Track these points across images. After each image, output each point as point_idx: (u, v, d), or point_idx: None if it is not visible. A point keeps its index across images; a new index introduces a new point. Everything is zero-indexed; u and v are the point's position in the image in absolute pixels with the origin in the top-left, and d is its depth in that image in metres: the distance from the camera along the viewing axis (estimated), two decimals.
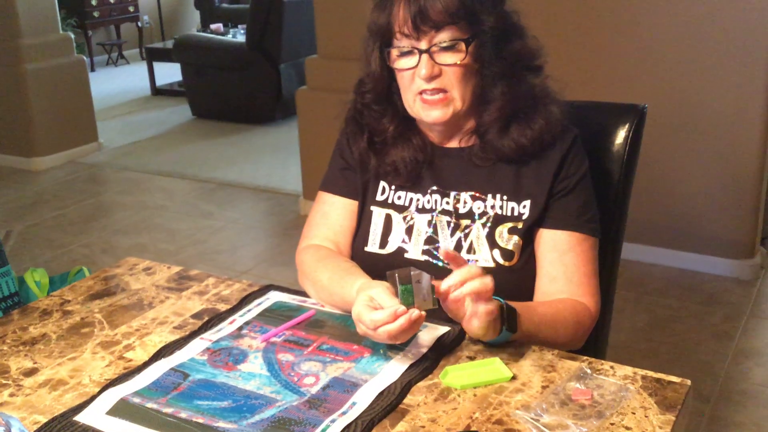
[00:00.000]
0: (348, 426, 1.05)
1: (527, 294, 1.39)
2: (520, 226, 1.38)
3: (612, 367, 1.18)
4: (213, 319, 1.35)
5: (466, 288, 1.15)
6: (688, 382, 1.14)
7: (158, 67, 7.26)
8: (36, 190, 4.86)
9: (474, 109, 1.40)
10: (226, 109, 6.14)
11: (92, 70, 8.31)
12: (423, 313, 1.16)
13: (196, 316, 1.38)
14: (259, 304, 1.40)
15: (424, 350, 1.22)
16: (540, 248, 1.39)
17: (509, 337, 1.23)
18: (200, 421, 1.06)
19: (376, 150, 1.44)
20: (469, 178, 1.41)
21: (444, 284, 1.16)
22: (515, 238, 1.38)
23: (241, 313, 1.37)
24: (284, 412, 1.08)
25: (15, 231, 4.21)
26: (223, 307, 1.40)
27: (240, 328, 1.31)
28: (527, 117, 1.37)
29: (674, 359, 2.77)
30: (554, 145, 1.38)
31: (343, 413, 1.07)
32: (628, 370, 1.17)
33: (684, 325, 3.00)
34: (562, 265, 1.37)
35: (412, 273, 1.14)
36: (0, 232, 4.18)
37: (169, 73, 7.40)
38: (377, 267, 1.41)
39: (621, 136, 1.58)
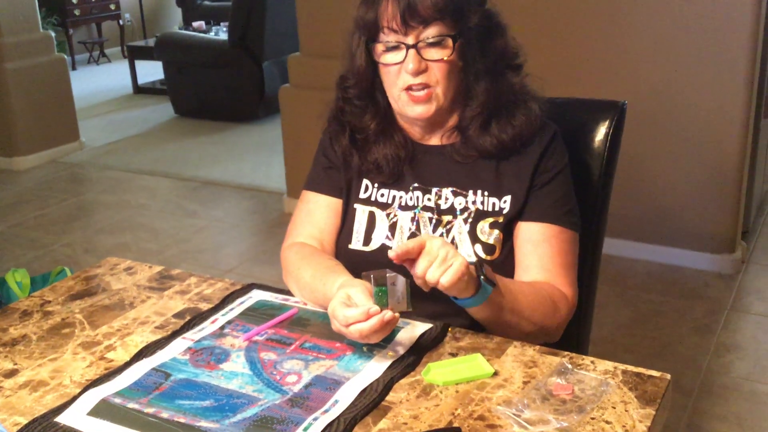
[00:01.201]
0: (330, 424, 1.05)
1: None
2: (500, 220, 1.39)
3: (593, 362, 1.19)
4: (195, 318, 1.35)
5: (445, 278, 1.16)
6: (668, 376, 1.15)
7: (140, 65, 7.22)
8: (17, 189, 4.83)
9: (456, 106, 1.40)
10: (208, 108, 6.12)
11: (74, 68, 8.26)
12: (396, 315, 1.16)
13: (177, 315, 1.37)
14: (241, 303, 1.40)
15: (406, 348, 1.23)
16: (517, 240, 1.41)
17: (489, 293, 1.23)
18: (182, 420, 1.06)
19: (358, 148, 1.45)
20: (450, 175, 1.42)
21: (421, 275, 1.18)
22: (496, 232, 1.39)
23: (223, 312, 1.36)
24: (266, 410, 1.08)
25: None
26: (205, 306, 1.40)
27: (222, 328, 1.31)
28: (508, 114, 1.38)
29: (656, 353, 2.79)
30: (534, 141, 1.40)
31: (326, 411, 1.07)
32: (608, 364, 1.18)
33: (666, 319, 3.03)
34: (536, 256, 1.38)
35: (387, 275, 1.15)
36: None
37: (151, 71, 7.37)
38: (361, 264, 1.41)
39: (601, 132, 1.59)
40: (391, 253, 1.16)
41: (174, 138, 5.79)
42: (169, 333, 1.31)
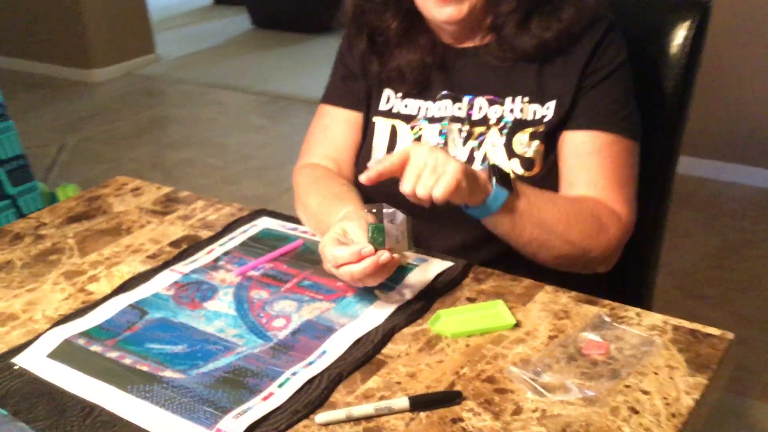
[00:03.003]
0: (311, 380, 0.89)
1: None
2: (541, 129, 1.17)
3: (638, 315, 0.98)
4: (190, 248, 1.21)
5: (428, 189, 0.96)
6: (730, 335, 0.94)
7: None
8: (91, 102, 4.81)
9: (491, 2, 1.18)
10: (284, 18, 5.92)
11: None
12: (396, 256, 0.98)
13: (173, 244, 1.23)
14: (244, 231, 1.24)
15: (417, 290, 1.05)
16: (562, 152, 1.18)
17: (502, 199, 1.03)
18: (145, 368, 0.93)
19: (378, 52, 1.25)
20: (485, 80, 1.21)
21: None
22: (536, 143, 1.17)
23: (221, 241, 1.22)
24: (242, 360, 0.93)
25: (68, 144, 4.18)
26: (205, 234, 1.25)
27: (216, 260, 1.17)
28: (554, 6, 1.15)
29: (743, 287, 2.52)
30: (584, 36, 1.16)
31: (310, 363, 0.92)
32: (657, 318, 0.97)
33: (758, 250, 2.74)
34: (584, 169, 1.16)
35: (384, 210, 0.96)
36: (53, 145, 4.16)
37: None
38: (382, 187, 1.24)
39: (680, 36, 1.34)
40: (362, 177, 0.97)
41: (249, 50, 5.65)
42: (159, 263, 1.17)
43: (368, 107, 1.29)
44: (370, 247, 0.96)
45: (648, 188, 1.33)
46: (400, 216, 0.96)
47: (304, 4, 5.79)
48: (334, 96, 1.32)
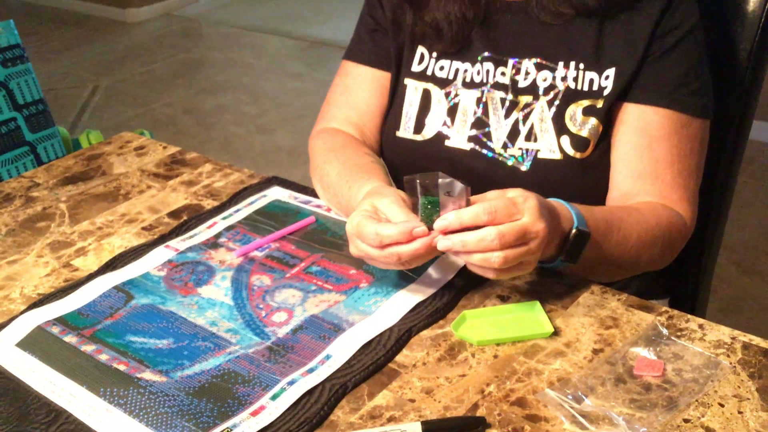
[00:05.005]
0: (310, 391, 0.76)
1: (600, 197, 1.04)
2: (599, 105, 1.01)
3: (701, 327, 0.83)
4: (190, 220, 1.08)
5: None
6: None
7: None
8: (127, 43, 4.70)
9: None
10: None
11: None
12: None
13: (173, 214, 1.10)
14: (251, 203, 1.11)
15: (441, 284, 0.91)
16: (621, 129, 1.01)
17: (562, 266, 0.90)
18: (121, 368, 0.81)
19: (412, 2, 1.08)
20: (535, 40, 1.04)
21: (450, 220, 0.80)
22: (592, 120, 1.01)
23: (225, 214, 1.08)
24: (233, 362, 0.81)
25: (102, 86, 4.08)
26: (209, 203, 1.12)
27: (217, 236, 1.03)
28: None
29: None
30: None
31: (310, 371, 0.79)
32: (723, 332, 0.82)
33: None
34: (653, 158, 1.00)
35: (440, 181, 0.79)
36: (87, 86, 4.06)
37: None
38: (412, 158, 1.10)
39: None
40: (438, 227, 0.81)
41: None
42: (155, 237, 1.05)
43: (398, 66, 1.13)
44: (423, 227, 0.81)
45: (716, 159, 1.18)
46: (459, 186, 0.79)
47: None
48: (359, 52, 1.17)
